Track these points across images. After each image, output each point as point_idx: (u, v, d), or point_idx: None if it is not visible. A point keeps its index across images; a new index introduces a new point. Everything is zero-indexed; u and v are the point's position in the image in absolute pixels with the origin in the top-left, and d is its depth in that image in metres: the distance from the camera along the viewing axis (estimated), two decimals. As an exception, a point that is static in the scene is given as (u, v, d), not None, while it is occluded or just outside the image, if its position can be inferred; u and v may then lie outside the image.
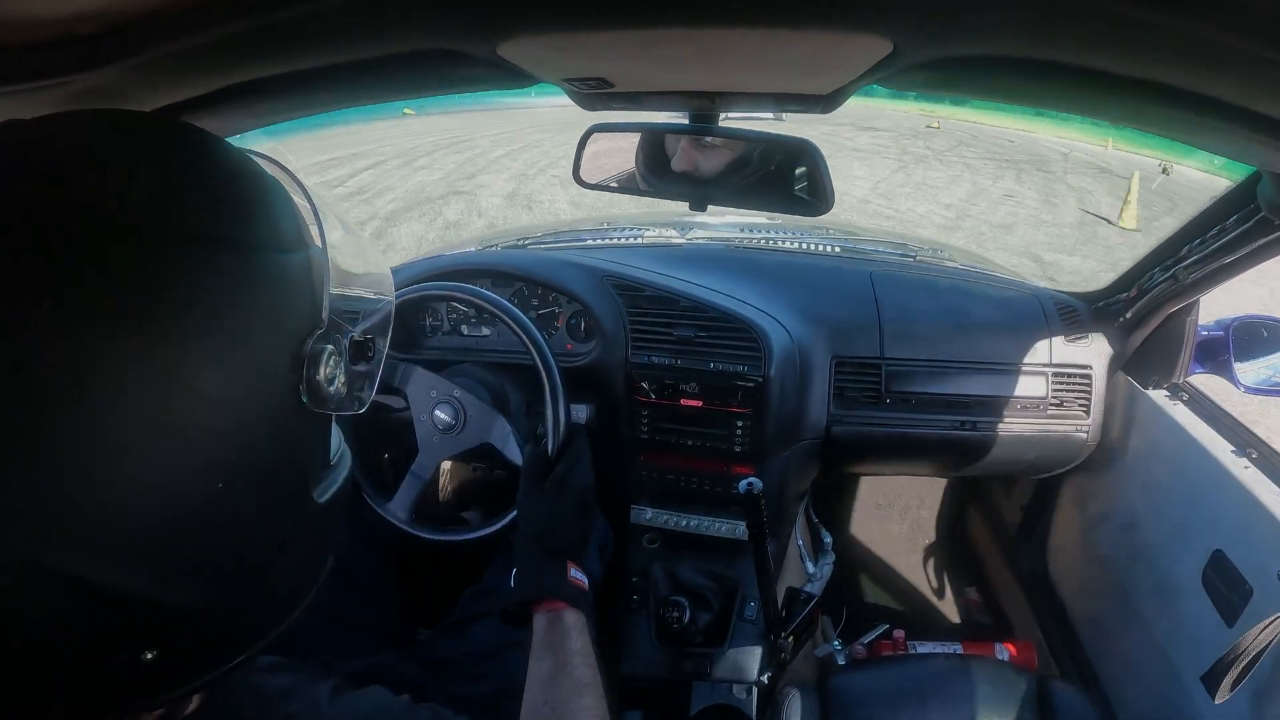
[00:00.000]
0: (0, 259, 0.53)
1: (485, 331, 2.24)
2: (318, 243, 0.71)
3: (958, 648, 2.52)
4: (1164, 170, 21.17)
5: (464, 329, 2.25)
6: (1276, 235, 1.56)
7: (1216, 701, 1.61)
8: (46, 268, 0.54)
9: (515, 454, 1.87)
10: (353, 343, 0.73)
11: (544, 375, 1.78)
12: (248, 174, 0.67)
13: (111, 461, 0.55)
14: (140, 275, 0.56)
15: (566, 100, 1.29)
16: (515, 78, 1.02)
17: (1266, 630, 1.54)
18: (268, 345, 0.64)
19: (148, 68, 0.78)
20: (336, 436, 0.80)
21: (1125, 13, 0.63)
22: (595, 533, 1.53)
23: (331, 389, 0.69)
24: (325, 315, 0.69)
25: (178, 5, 0.68)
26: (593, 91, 1.20)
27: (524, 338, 1.79)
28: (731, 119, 1.57)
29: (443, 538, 1.89)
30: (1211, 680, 1.62)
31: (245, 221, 0.64)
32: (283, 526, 0.69)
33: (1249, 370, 2.02)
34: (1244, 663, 1.57)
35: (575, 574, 1.36)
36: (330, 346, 0.68)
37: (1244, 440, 1.91)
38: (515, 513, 1.83)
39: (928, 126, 29.89)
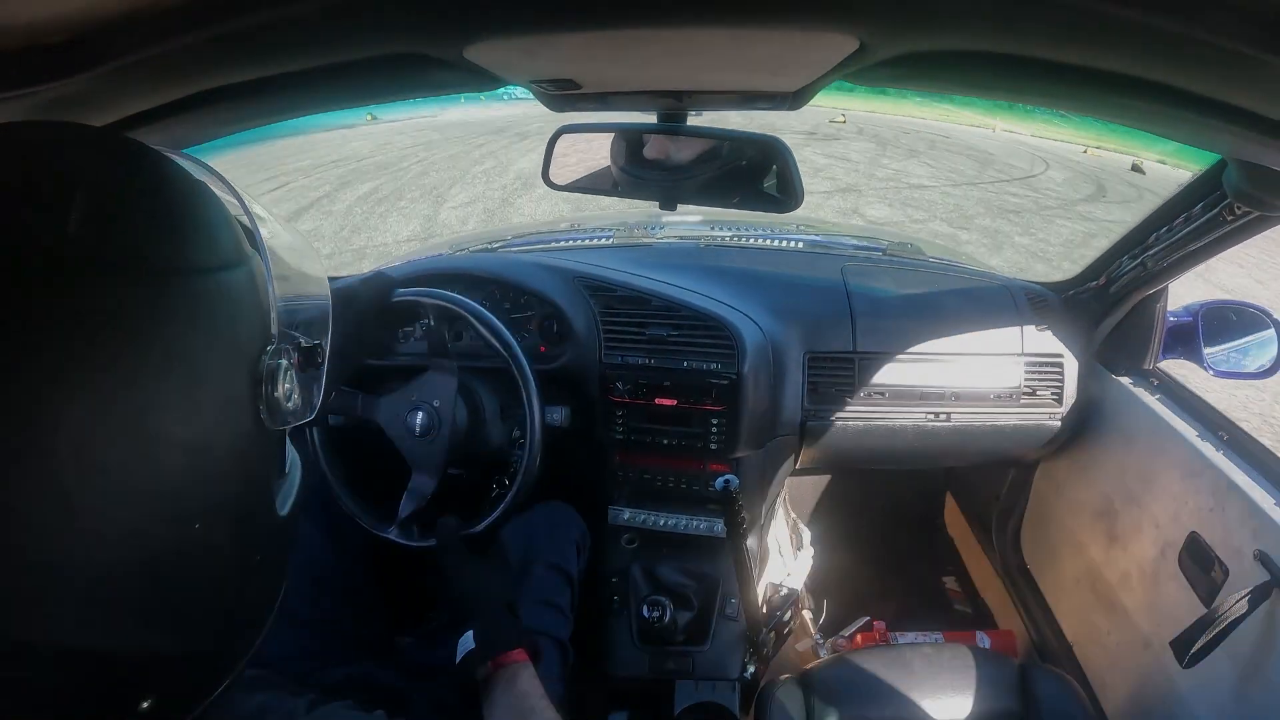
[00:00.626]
0: None
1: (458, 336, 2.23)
2: (256, 250, 0.69)
3: (939, 637, 2.54)
4: (1135, 168, 21.55)
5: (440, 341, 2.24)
6: (1243, 221, 1.58)
7: (1184, 667, 1.63)
8: None
9: (406, 505, 1.91)
10: (301, 350, 0.70)
11: (518, 378, 1.78)
12: (186, 191, 0.64)
13: (78, 523, 0.52)
14: (84, 316, 0.52)
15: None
16: (483, 80, 1.02)
17: (1240, 601, 1.57)
18: (225, 371, 0.62)
19: (117, 75, 0.78)
20: (286, 443, 0.77)
21: (1090, 7, 0.63)
22: (530, 536, 1.57)
23: (289, 404, 0.67)
24: (275, 329, 0.67)
25: (147, 12, 0.67)
26: (561, 93, 1.20)
27: (496, 341, 1.79)
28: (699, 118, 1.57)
29: (419, 544, 1.89)
30: (1180, 647, 1.65)
31: (187, 243, 0.61)
32: (256, 551, 0.68)
33: (1218, 354, 2.06)
34: (1214, 631, 1.59)
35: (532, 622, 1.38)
36: (284, 361, 0.66)
37: (1214, 423, 1.93)
38: (495, 514, 1.84)
39: (831, 121, 29.98)
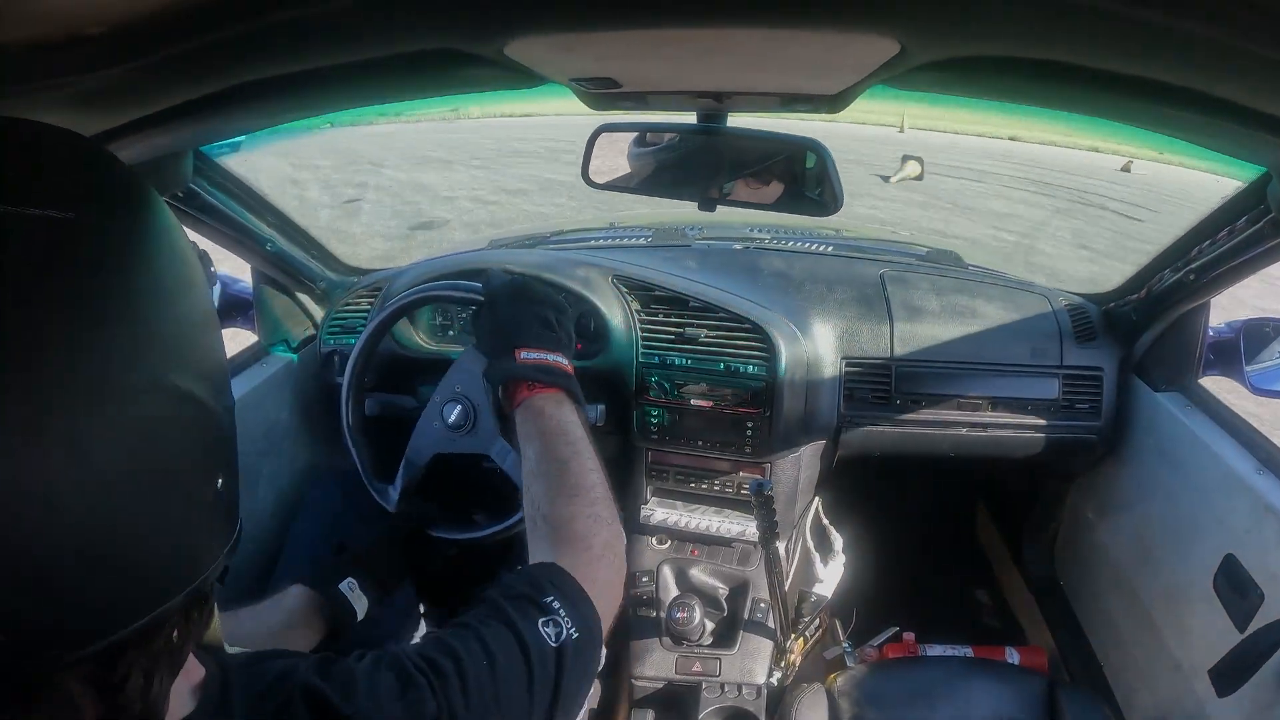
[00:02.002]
0: None
1: None
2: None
3: (968, 651, 2.51)
4: (1125, 168, 21.29)
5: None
6: None
7: (1220, 696, 1.61)
8: None
9: (515, 471, 1.85)
10: None
11: None
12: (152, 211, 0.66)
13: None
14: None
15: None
16: (522, 78, 1.02)
17: (1277, 629, 1.54)
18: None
19: (156, 68, 0.78)
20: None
21: (1132, 15, 0.63)
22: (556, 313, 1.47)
23: None
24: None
25: (186, 5, 0.68)
26: (600, 91, 1.20)
27: None
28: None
29: (451, 536, 1.89)
30: (1218, 676, 1.63)
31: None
32: (216, 470, 0.69)
33: (1260, 372, 2.01)
34: (1250, 657, 1.57)
35: (528, 355, 1.32)
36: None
37: (1254, 443, 1.89)
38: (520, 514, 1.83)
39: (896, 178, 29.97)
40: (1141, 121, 1.02)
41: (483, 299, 1.51)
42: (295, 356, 2.40)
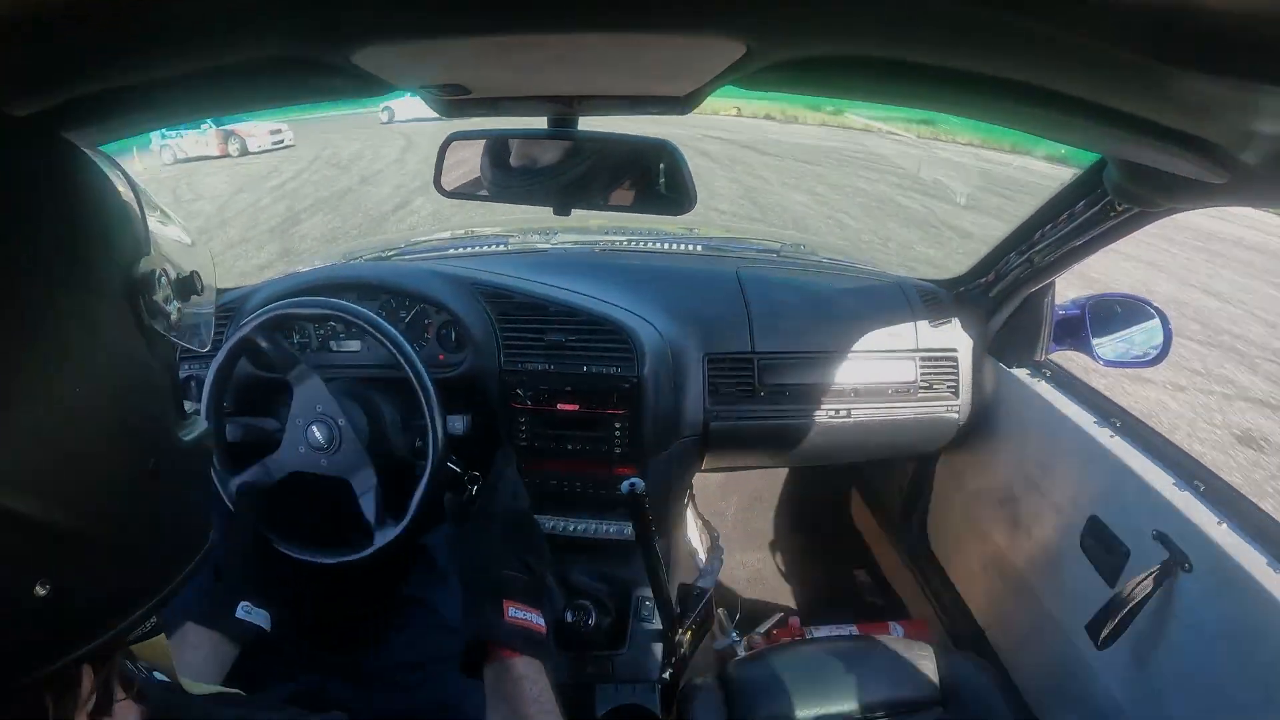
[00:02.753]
0: None
1: (355, 346, 2.18)
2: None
3: (853, 629, 2.58)
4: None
5: (333, 345, 2.18)
6: (1124, 218, 1.64)
7: (1099, 649, 1.69)
8: None
9: (369, 507, 1.81)
10: (179, 280, 0.75)
11: (417, 388, 1.75)
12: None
13: None
14: None
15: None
16: (372, 86, 1.00)
17: (1144, 581, 1.64)
18: (102, 266, 0.66)
19: None
20: (192, 403, 0.82)
21: (973, 14, 0.65)
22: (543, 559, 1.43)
23: (171, 315, 0.72)
24: (149, 249, 0.72)
25: (13, 13, 0.64)
26: (451, 98, 1.19)
27: (394, 351, 1.76)
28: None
29: (296, 555, 1.83)
30: (1094, 629, 1.72)
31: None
32: (149, 450, 0.69)
33: (1106, 345, 2.14)
34: (1122, 612, 1.66)
35: (516, 613, 1.25)
36: (161, 273, 0.71)
37: (1106, 410, 2.00)
38: (403, 525, 1.79)
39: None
40: (986, 115, 1.06)
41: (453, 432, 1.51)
42: None
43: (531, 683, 1.20)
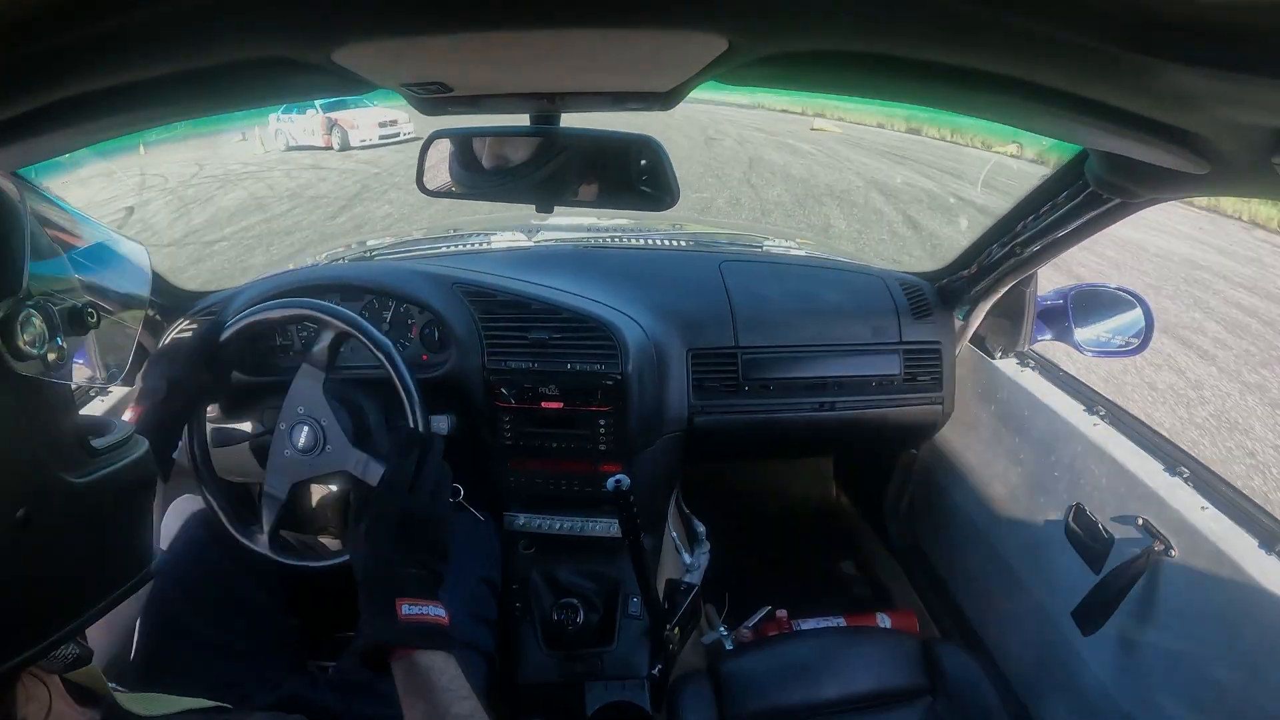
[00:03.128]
0: None
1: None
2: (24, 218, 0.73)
3: (841, 621, 2.58)
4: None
5: (315, 347, 2.18)
6: (1105, 208, 1.65)
7: (1085, 635, 1.71)
8: None
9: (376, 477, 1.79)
10: (69, 312, 0.75)
11: (399, 387, 1.74)
12: None
13: None
14: None
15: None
16: (352, 84, 0.99)
17: (1129, 567, 1.67)
18: None
19: None
20: (122, 429, 0.85)
21: (954, 8, 0.65)
22: (460, 548, 1.44)
23: (43, 357, 0.71)
24: (25, 281, 0.71)
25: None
26: (432, 96, 1.18)
27: (375, 350, 1.75)
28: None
29: (306, 564, 1.82)
30: (1080, 616, 1.75)
31: None
32: (16, 499, 0.69)
33: (1088, 335, 2.15)
34: (1107, 598, 1.69)
35: (410, 610, 1.21)
36: (34, 313, 0.70)
37: (1088, 398, 2.02)
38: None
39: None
40: (968, 108, 1.06)
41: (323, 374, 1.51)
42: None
43: (439, 672, 1.17)
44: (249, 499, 1.89)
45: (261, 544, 1.76)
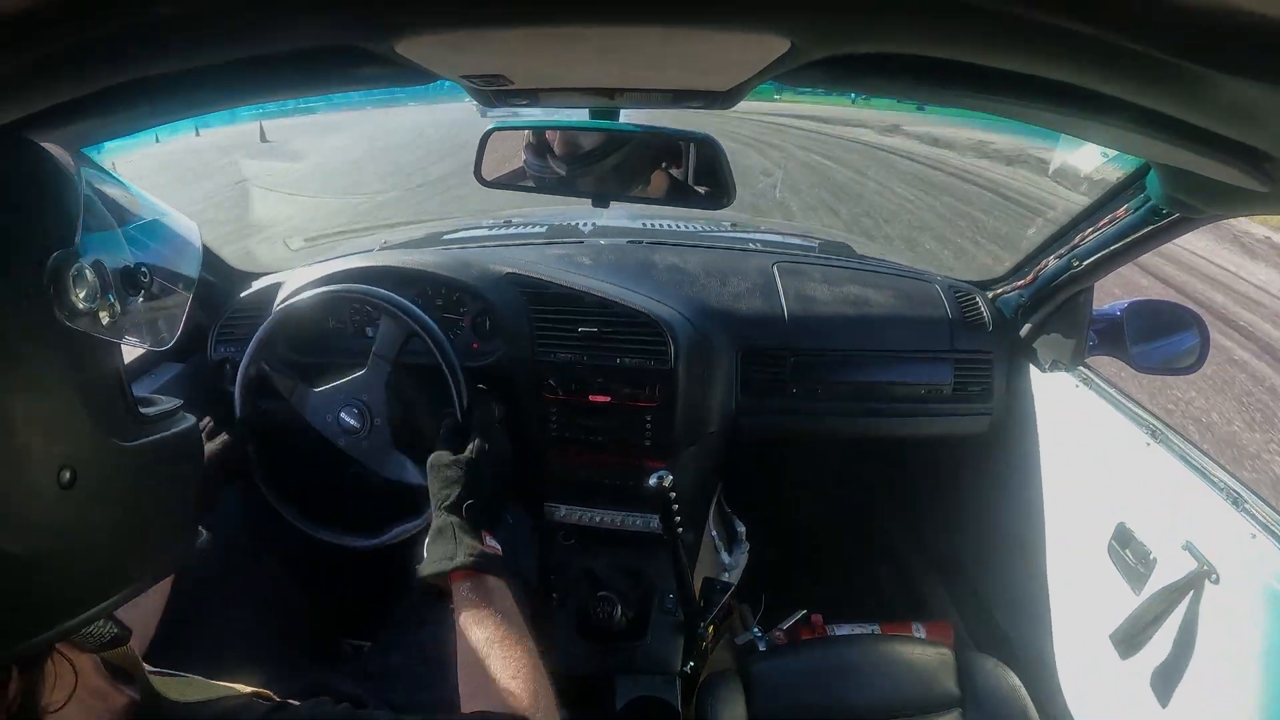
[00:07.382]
0: None
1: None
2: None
3: (876, 628, 2.57)
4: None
5: (368, 330, 2.20)
6: (1165, 223, 1.63)
7: (1123, 659, 1.68)
8: None
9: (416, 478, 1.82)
10: (123, 271, 0.76)
11: (449, 375, 1.76)
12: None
13: None
14: None
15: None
16: (413, 75, 1.00)
17: (1170, 593, 1.63)
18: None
19: (36, 65, 0.75)
20: (170, 400, 0.86)
21: (1019, 15, 0.64)
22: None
23: (98, 312, 0.72)
24: (79, 236, 0.72)
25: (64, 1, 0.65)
26: (491, 89, 1.19)
27: (427, 338, 1.77)
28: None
29: (356, 543, 1.84)
30: (1118, 638, 1.72)
31: None
32: (61, 458, 0.69)
33: (1145, 351, 2.11)
34: (1147, 621, 1.66)
35: (492, 542, 1.34)
36: (86, 267, 0.71)
37: (1142, 418, 1.98)
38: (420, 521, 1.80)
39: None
40: (1029, 116, 1.05)
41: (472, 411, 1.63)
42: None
43: (502, 594, 1.27)
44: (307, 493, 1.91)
45: (345, 540, 1.81)
